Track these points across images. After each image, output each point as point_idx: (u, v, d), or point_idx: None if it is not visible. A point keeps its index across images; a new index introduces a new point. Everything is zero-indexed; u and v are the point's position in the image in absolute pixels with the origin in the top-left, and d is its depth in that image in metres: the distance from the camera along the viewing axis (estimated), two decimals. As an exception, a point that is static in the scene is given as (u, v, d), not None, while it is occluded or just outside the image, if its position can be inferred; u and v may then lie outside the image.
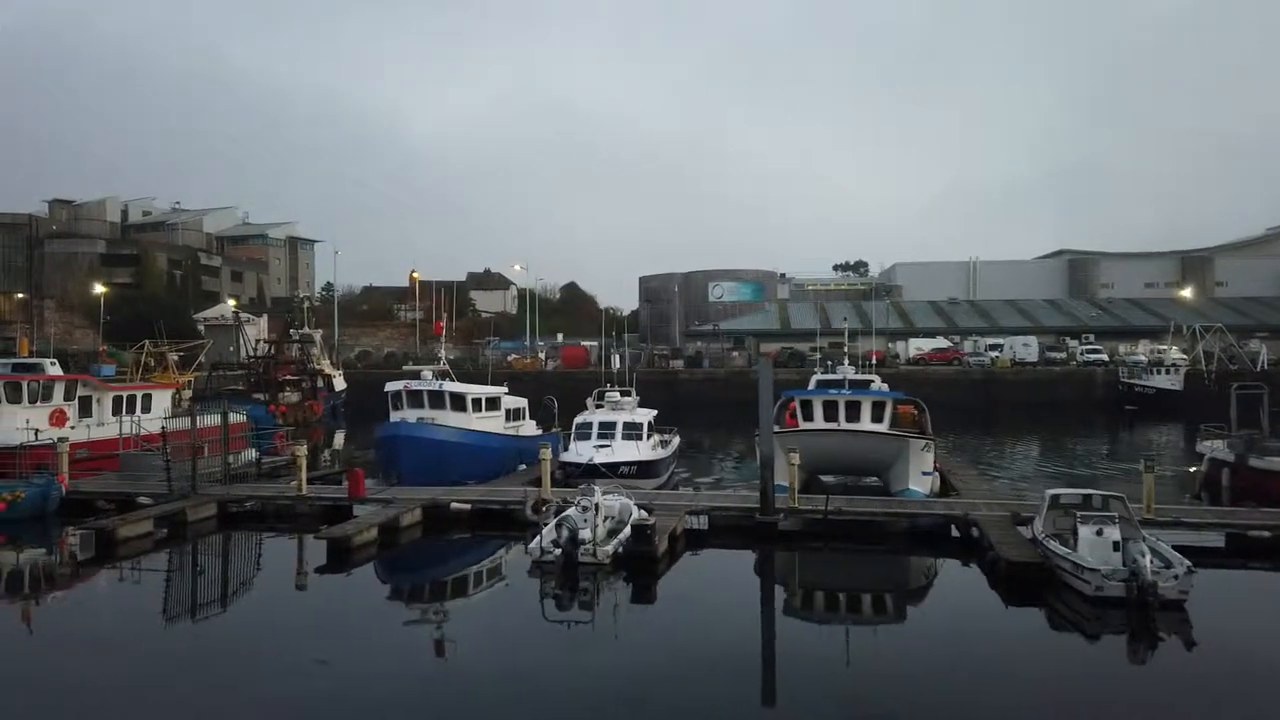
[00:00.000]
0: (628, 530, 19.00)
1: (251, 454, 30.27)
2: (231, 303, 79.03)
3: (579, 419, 28.67)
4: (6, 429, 28.75)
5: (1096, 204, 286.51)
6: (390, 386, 28.77)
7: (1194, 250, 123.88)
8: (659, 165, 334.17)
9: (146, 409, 34.30)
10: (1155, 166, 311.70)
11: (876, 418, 24.95)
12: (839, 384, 26.52)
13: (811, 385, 28.09)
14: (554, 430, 33.53)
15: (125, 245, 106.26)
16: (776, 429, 27.29)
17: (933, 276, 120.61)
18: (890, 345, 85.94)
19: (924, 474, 24.10)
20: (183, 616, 16.95)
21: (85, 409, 31.90)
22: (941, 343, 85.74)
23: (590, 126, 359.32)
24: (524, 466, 29.61)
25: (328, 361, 68.81)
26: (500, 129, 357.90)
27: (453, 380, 28.90)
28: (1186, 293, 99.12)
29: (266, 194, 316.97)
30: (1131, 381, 66.56)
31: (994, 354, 76.96)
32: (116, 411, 33.13)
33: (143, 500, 24.37)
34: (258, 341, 62.31)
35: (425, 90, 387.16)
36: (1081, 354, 76.31)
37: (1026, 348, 74.66)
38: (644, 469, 26.72)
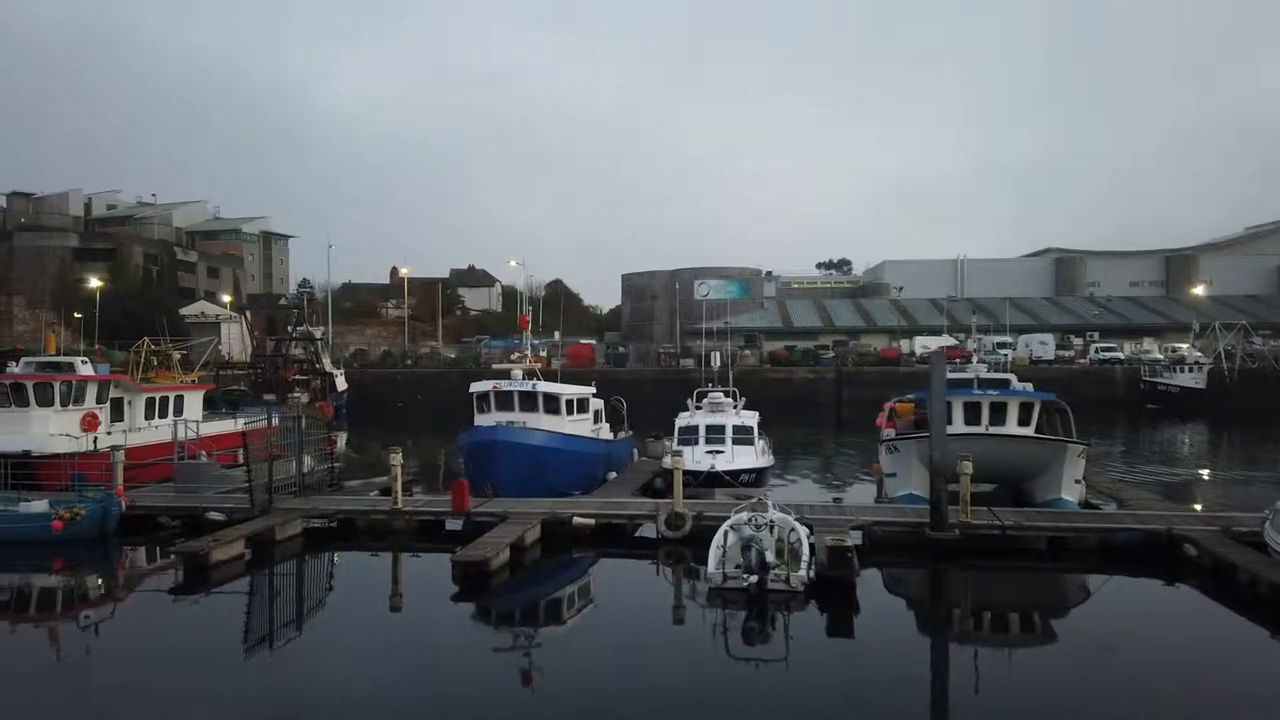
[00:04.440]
0: (806, 551, 16.88)
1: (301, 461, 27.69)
2: (227, 298, 75.33)
3: (682, 422, 26.47)
4: (39, 435, 25.85)
5: (1030, 202, 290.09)
6: (477, 387, 26.26)
7: (1179, 249, 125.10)
8: (609, 155, 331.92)
9: (179, 411, 31.45)
10: (1102, 162, 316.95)
11: (1023, 420, 23.10)
12: (968, 383, 24.61)
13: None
14: (625, 434, 31.29)
15: (98, 239, 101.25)
16: (898, 435, 25.43)
17: (921, 274, 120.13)
18: (893, 342, 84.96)
19: (1076, 482, 22.29)
20: (300, 659, 14.46)
21: (117, 412, 28.99)
22: (948, 340, 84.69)
23: (538, 114, 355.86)
24: (614, 474, 27.35)
25: (328, 360, 65.70)
26: (460, 121, 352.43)
27: (540, 380, 26.41)
28: (1199, 290, 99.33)
29: (222, 187, 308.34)
30: (1154, 380, 65.94)
31: (1007, 353, 75.97)
32: (149, 414, 30.26)
33: (213, 516, 21.69)
34: (261, 340, 59.21)
35: (381, 85, 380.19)
36: (1096, 352, 75.64)
37: (1044, 345, 73.81)
38: (759, 476, 24.62)
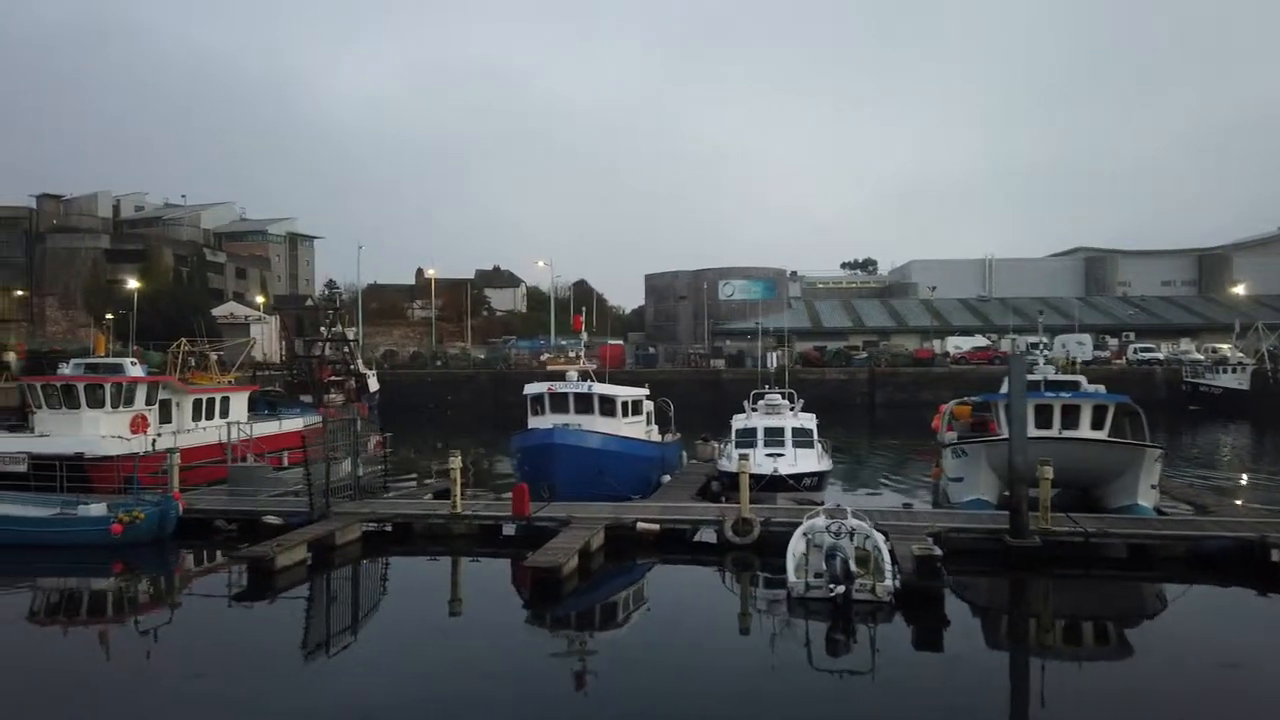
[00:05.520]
0: (887, 559, 16.37)
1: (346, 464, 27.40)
2: (260, 299, 75.48)
3: (738, 424, 25.95)
4: (91, 437, 25.69)
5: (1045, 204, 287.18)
6: (531, 389, 25.89)
7: (1211, 248, 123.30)
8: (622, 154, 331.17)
9: (225, 413, 31.28)
10: (1121, 160, 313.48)
11: (1097, 424, 22.44)
12: (1035, 385, 23.91)
13: None
14: (673, 436, 30.79)
15: (130, 240, 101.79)
16: (962, 439, 24.83)
17: (948, 274, 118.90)
18: (924, 342, 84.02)
19: (1151, 487, 21.63)
20: (362, 666, 13.95)
21: (165, 414, 28.81)
22: (980, 341, 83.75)
23: (546, 114, 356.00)
24: (668, 478, 26.89)
25: (360, 361, 65.58)
26: (472, 121, 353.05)
27: (594, 380, 25.99)
28: (1239, 289, 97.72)
29: (250, 191, 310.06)
30: (1195, 381, 64.80)
31: (1043, 353, 74.97)
32: (196, 416, 30.09)
33: (269, 520, 21.42)
34: (290, 341, 59.12)
35: (390, 84, 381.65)
36: (1134, 353, 74.45)
37: (1081, 346, 72.61)
38: (820, 480, 24.10)
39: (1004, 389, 25.12)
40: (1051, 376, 24.58)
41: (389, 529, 21.67)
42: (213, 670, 13.81)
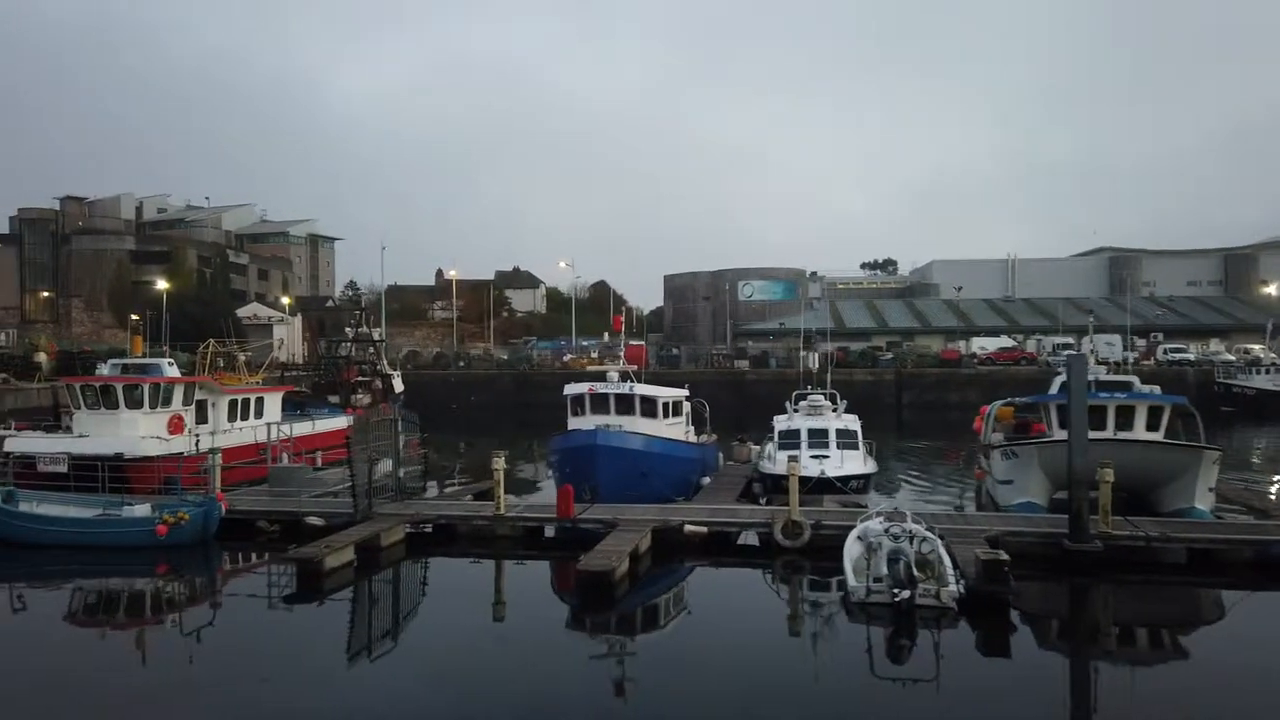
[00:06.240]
0: (948, 563, 16.03)
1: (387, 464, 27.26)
2: (286, 300, 75.63)
3: (781, 425, 25.62)
4: (130, 437, 25.63)
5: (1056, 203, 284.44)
6: (572, 389, 25.65)
7: (1237, 248, 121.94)
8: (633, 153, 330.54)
9: (260, 414, 31.22)
10: (1140, 160, 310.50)
11: (1152, 425, 22.00)
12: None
13: None
14: (710, 437, 30.46)
15: (154, 242, 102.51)
16: (1011, 440, 24.41)
17: (970, 274, 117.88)
18: (950, 343, 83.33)
19: (1209, 490, 21.16)
20: (408, 669, 13.88)
21: (201, 414, 28.75)
22: (1006, 341, 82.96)
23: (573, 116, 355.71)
24: (707, 479, 26.59)
25: (385, 362, 65.59)
26: (489, 123, 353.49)
27: (636, 381, 25.70)
28: (1272, 289, 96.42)
29: (263, 192, 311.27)
30: (1228, 382, 63.93)
31: (1070, 353, 74.21)
32: (231, 417, 30.03)
33: (312, 521, 21.28)
34: (313, 342, 59.19)
35: (404, 83, 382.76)
36: (1164, 353, 73.55)
37: (1110, 347, 71.77)
38: (866, 483, 23.75)
39: (1053, 389, 24.74)
40: (1103, 377, 24.11)
41: (429, 530, 21.50)
42: (258, 672, 13.74)
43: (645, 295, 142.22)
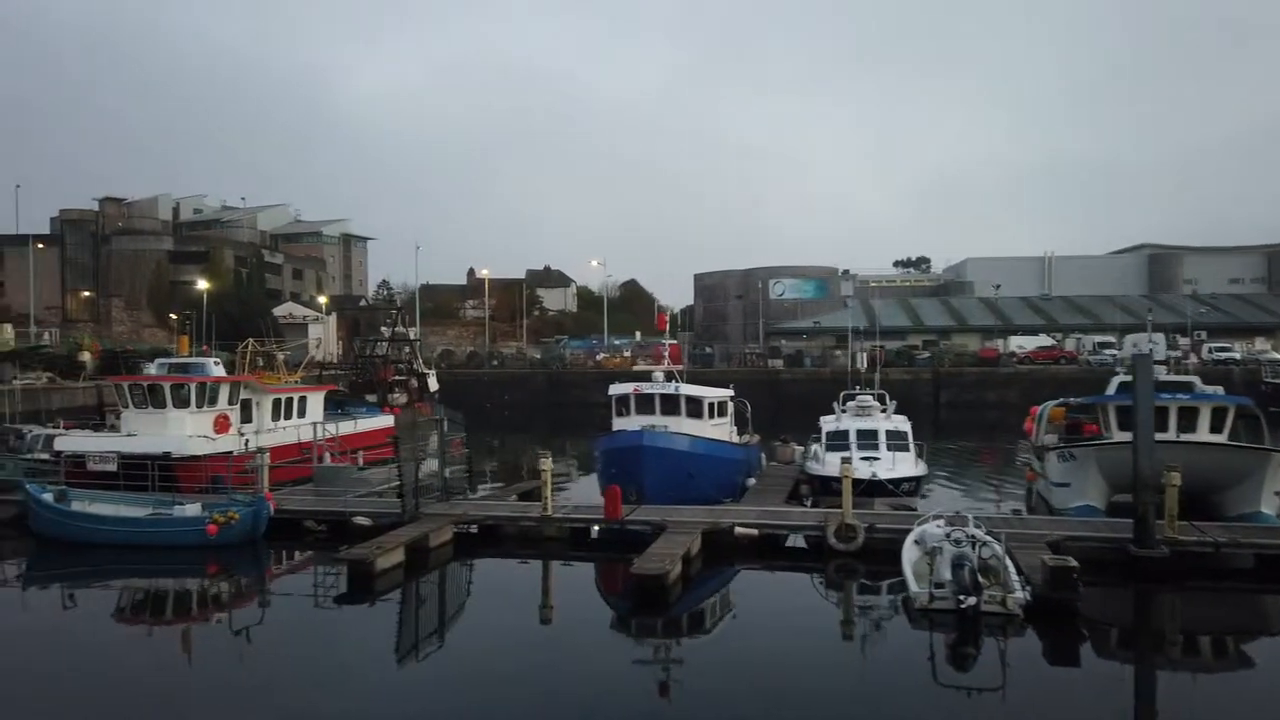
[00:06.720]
0: (1011, 569, 15.62)
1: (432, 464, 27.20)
2: (323, 299, 76.25)
3: (829, 426, 25.24)
4: (177, 436, 25.78)
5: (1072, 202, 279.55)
6: (616, 389, 25.45)
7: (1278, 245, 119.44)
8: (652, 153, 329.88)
9: (303, 413, 31.33)
10: (1171, 157, 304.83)
11: (1216, 427, 21.41)
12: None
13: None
14: (753, 437, 30.08)
15: (192, 242, 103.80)
16: (1066, 442, 23.89)
17: (1006, 271, 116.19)
18: (987, 342, 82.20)
19: (1276, 494, 20.52)
20: (457, 669, 13.81)
21: (245, 413, 28.87)
22: (1044, 340, 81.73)
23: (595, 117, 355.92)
24: (752, 480, 26.27)
25: (420, 361, 65.88)
26: (509, 120, 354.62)
27: (681, 381, 25.43)
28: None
29: (289, 193, 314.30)
30: (1276, 381, 62.46)
31: (1112, 352, 72.87)
32: (275, 416, 30.14)
33: (359, 521, 21.26)
34: (348, 341, 59.57)
35: (424, 82, 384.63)
36: (1209, 352, 72.02)
37: (1153, 346, 70.58)
38: (917, 485, 23.35)
39: (1110, 390, 24.17)
40: (1163, 377, 23.46)
41: (474, 530, 21.39)
42: (308, 673, 13.80)
43: (675, 294, 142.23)
